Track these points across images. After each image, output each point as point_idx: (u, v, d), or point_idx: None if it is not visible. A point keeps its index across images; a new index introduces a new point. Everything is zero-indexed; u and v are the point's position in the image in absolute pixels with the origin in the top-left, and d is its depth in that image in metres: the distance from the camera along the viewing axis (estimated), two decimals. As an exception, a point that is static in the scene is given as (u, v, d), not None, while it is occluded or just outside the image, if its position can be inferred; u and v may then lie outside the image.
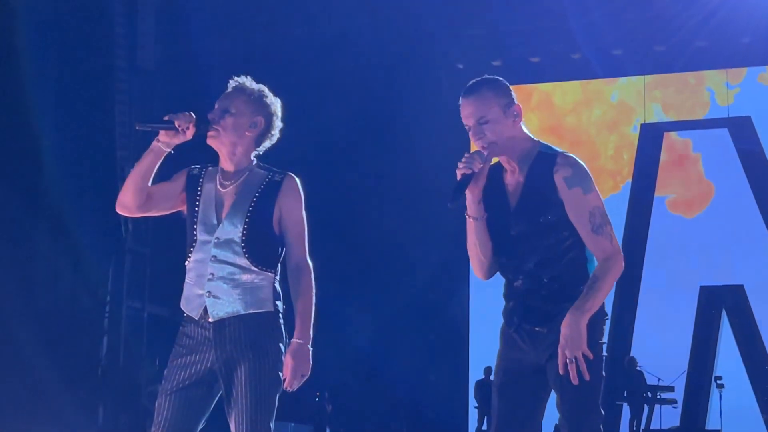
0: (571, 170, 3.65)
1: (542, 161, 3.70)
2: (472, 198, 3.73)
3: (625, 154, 12.50)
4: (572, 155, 3.73)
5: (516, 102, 3.77)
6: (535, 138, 3.80)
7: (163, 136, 3.82)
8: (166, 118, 3.82)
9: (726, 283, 12.45)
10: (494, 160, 3.79)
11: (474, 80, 3.79)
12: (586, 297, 3.55)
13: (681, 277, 12.46)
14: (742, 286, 12.43)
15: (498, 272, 3.87)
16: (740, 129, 12.45)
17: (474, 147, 3.74)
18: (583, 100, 12.32)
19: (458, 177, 3.67)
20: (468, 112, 3.70)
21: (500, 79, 3.81)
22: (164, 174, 3.99)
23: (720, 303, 12.51)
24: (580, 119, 12.41)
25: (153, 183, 3.93)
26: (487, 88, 3.72)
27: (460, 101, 3.74)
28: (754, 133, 12.38)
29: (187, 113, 3.83)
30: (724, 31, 11.27)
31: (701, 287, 12.52)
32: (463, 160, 3.66)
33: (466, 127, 3.73)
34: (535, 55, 10.86)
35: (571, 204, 3.63)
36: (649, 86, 12.09)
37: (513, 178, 3.75)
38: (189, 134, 3.82)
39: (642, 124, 12.37)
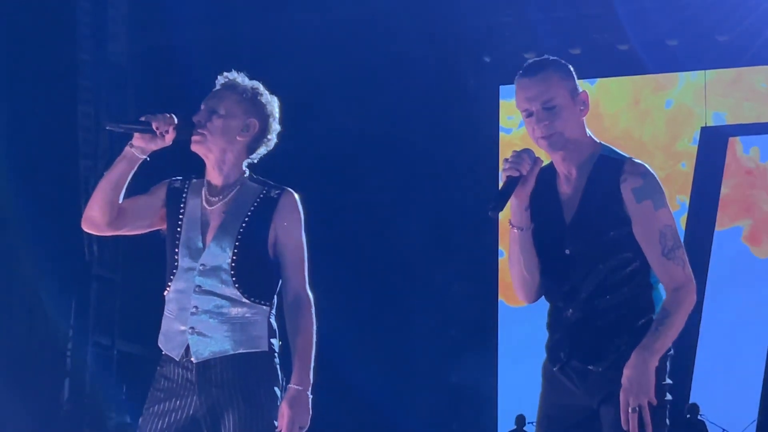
0: (641, 180, 3.59)
1: (606, 167, 3.65)
2: (518, 205, 3.66)
3: (681, 168, 12.54)
4: (643, 162, 3.68)
5: (582, 89, 3.73)
6: (597, 139, 3.75)
7: (138, 140, 3.81)
8: (142, 118, 3.82)
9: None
10: (544, 162, 3.75)
11: (534, 59, 3.77)
12: (656, 334, 3.50)
13: (750, 311, 12.44)
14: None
15: (543, 297, 3.83)
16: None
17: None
18: (631, 102, 12.36)
19: (503, 179, 3.64)
20: (531, 93, 3.63)
21: (564, 61, 3.77)
22: (139, 186, 4.00)
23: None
24: (630, 125, 12.45)
25: (126, 196, 3.92)
26: (554, 69, 3.68)
27: (519, 82, 3.68)
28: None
29: (167, 114, 3.83)
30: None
31: (774, 321, 12.52)
32: (510, 159, 3.61)
33: (524, 114, 3.66)
34: (574, 46, 10.89)
35: (640, 221, 3.58)
36: (710, 84, 12.12)
37: (569, 186, 3.71)
38: (168, 139, 3.81)
39: (702, 128, 12.37)
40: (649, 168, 3.67)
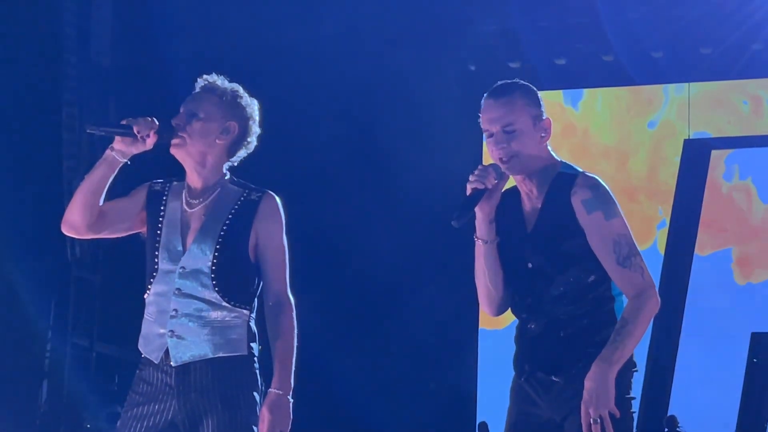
0: (590, 192, 3.66)
1: (561, 183, 3.73)
2: (482, 218, 3.76)
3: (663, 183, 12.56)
4: (594, 175, 3.75)
5: (546, 116, 3.80)
6: (558, 158, 3.83)
7: (118, 143, 3.79)
8: (123, 122, 3.79)
9: (783, 329, 12.48)
10: (509, 183, 3.82)
11: (503, 82, 3.82)
12: (614, 344, 3.54)
13: (728, 322, 12.48)
14: (802, 334, 12.45)
15: (510, 311, 3.88)
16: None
17: (488, 160, 3.77)
18: (615, 124, 12.40)
19: (468, 191, 3.71)
20: (494, 116, 3.72)
21: (532, 86, 3.84)
22: (119, 189, 3.98)
23: (775, 353, 12.52)
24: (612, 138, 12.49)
25: (107, 199, 3.90)
26: (520, 94, 3.76)
27: (485, 102, 3.76)
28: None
29: (149, 118, 3.81)
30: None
31: (753, 334, 12.54)
32: (476, 173, 3.70)
33: (486, 134, 3.75)
34: (560, 56, 10.92)
35: (592, 231, 3.64)
36: (694, 98, 12.15)
37: (530, 203, 3.78)
38: (149, 143, 3.79)
39: (685, 140, 12.40)
40: (600, 180, 3.74)
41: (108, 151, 3.83)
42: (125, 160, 3.83)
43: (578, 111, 12.27)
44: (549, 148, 3.81)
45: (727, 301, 12.45)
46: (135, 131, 3.77)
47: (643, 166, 12.45)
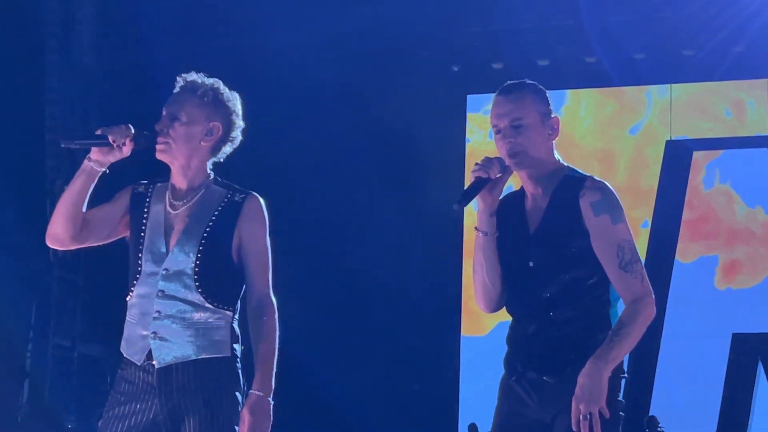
0: (599, 195, 3.71)
1: (568, 184, 3.77)
2: (484, 208, 3.79)
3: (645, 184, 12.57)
4: (603, 181, 3.80)
5: (555, 115, 3.87)
6: (564, 162, 3.88)
7: (95, 153, 3.79)
8: (98, 132, 3.78)
9: (763, 330, 12.50)
10: (515, 185, 3.85)
11: (513, 81, 3.90)
12: (611, 344, 3.57)
13: (710, 323, 12.51)
14: (782, 335, 12.49)
15: (505, 309, 3.90)
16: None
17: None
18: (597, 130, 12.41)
19: (472, 179, 3.75)
20: (503, 111, 3.79)
21: (540, 86, 3.92)
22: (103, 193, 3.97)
23: (755, 353, 12.55)
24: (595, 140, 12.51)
25: (90, 206, 3.90)
26: (528, 91, 3.84)
27: (494, 100, 3.83)
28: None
29: (123, 126, 3.80)
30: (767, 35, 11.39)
31: (734, 335, 12.57)
32: (480, 162, 3.75)
33: (494, 129, 3.80)
34: (542, 57, 10.93)
35: (597, 234, 3.68)
36: (676, 103, 12.18)
37: (535, 203, 3.82)
38: (126, 150, 3.79)
39: (667, 141, 12.42)
40: (608, 185, 3.78)
41: (86, 162, 3.83)
42: (104, 169, 3.83)
43: (562, 115, 12.29)
44: (556, 152, 3.86)
45: (708, 303, 12.49)
46: (111, 140, 3.76)
47: (625, 171, 12.48)
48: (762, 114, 12.34)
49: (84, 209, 3.87)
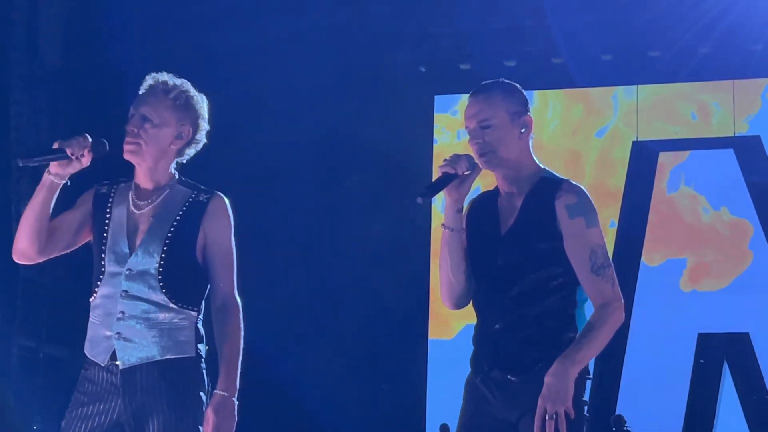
0: (575, 198, 3.71)
1: (544, 186, 3.77)
2: (451, 203, 3.76)
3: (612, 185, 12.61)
4: (579, 185, 3.80)
5: (529, 113, 3.85)
6: (541, 165, 3.88)
7: (54, 167, 3.75)
8: (55, 145, 3.74)
9: (728, 330, 12.59)
10: (491, 185, 3.84)
11: (486, 81, 3.89)
12: (579, 345, 3.58)
13: (676, 324, 12.58)
14: (747, 334, 12.57)
15: (472, 311, 3.89)
16: (748, 150, 12.61)
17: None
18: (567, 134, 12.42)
19: (439, 174, 3.73)
20: (471, 112, 3.78)
21: (517, 85, 3.90)
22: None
23: (721, 353, 12.64)
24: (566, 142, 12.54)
25: (54, 213, 3.86)
26: (498, 90, 3.82)
27: (467, 102, 3.81)
28: (764, 155, 12.55)
29: (80, 137, 3.76)
30: (733, 37, 11.45)
31: (699, 335, 12.66)
32: (448, 158, 3.74)
33: (467, 131, 3.79)
34: (510, 58, 10.96)
35: (571, 236, 3.68)
36: (643, 105, 12.21)
37: (509, 202, 3.81)
38: (86, 161, 3.76)
39: (634, 142, 12.47)
40: (584, 189, 3.79)
41: (46, 176, 3.79)
42: (64, 181, 3.80)
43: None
44: (533, 154, 3.85)
45: (674, 304, 12.57)
46: (69, 153, 3.73)
47: (592, 172, 12.53)
48: (726, 116, 12.43)
49: (48, 222, 3.84)
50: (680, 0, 10.94)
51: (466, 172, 3.72)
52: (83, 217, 3.92)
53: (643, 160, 12.47)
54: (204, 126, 3.98)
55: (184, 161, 3.99)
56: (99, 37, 11.02)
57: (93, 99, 10.35)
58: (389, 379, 11.11)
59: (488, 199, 3.88)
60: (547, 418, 3.48)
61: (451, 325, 11.16)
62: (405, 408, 11.25)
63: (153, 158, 3.87)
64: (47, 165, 3.78)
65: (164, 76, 3.95)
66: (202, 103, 3.97)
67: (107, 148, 3.81)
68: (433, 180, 3.77)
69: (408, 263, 10.18)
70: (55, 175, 3.77)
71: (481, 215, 3.85)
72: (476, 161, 3.76)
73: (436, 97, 11.37)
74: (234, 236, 3.92)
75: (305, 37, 10.26)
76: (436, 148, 11.40)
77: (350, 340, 10.85)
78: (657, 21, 11.17)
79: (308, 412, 10.57)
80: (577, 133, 12.32)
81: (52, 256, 3.95)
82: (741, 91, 12.35)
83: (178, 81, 3.96)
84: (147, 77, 3.96)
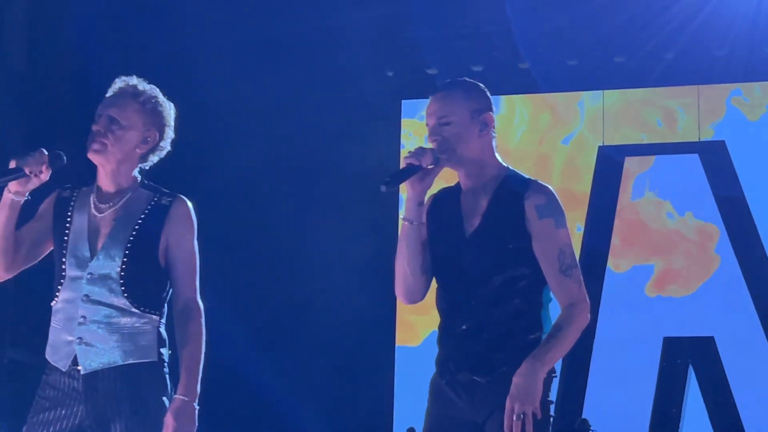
0: (544, 198, 3.72)
1: (511, 185, 3.77)
2: (413, 196, 3.76)
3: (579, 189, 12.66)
4: (548, 185, 3.80)
5: (490, 111, 3.85)
6: (505, 164, 3.87)
7: (14, 185, 3.74)
8: (12, 164, 3.72)
9: (694, 334, 12.63)
10: (452, 181, 3.83)
11: (449, 80, 3.91)
12: (547, 346, 3.58)
13: (642, 328, 12.63)
14: (712, 338, 12.61)
15: (427, 305, 3.91)
16: (714, 155, 12.68)
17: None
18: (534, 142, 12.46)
19: (404, 165, 3.73)
20: (431, 110, 3.80)
21: (480, 84, 3.90)
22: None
23: (686, 357, 12.68)
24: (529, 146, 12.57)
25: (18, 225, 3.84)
26: (459, 89, 3.83)
27: (429, 101, 3.84)
28: (728, 160, 12.62)
29: (37, 153, 3.73)
30: (698, 42, 11.52)
31: (665, 339, 12.68)
32: (413, 150, 3.73)
33: (427, 129, 3.82)
34: (477, 62, 10.99)
35: (540, 237, 3.68)
36: (609, 107, 12.27)
37: (473, 201, 3.80)
38: (44, 176, 3.74)
39: (600, 147, 12.53)
40: (553, 190, 3.81)
41: (6, 194, 3.78)
42: (26, 197, 3.78)
43: (495, 124, 12.31)
44: (497, 154, 3.85)
45: (639, 307, 12.62)
46: (27, 172, 3.71)
47: (559, 176, 12.57)
48: (691, 122, 12.51)
49: (13, 239, 3.83)
50: (645, 6, 10.99)
51: (430, 166, 3.71)
52: (47, 226, 3.90)
53: (609, 165, 12.50)
54: (169, 134, 3.97)
55: (147, 168, 3.98)
56: (65, 41, 10.96)
57: (57, 105, 10.29)
58: (357, 385, 11.09)
59: (450, 195, 3.86)
60: (514, 418, 3.48)
61: (417, 331, 11.17)
62: (373, 413, 11.23)
63: (117, 160, 3.86)
64: (6, 184, 3.75)
65: (134, 80, 3.96)
66: (169, 111, 3.97)
67: (65, 161, 3.78)
68: (398, 170, 3.77)
69: (375, 269, 10.16)
70: (15, 193, 3.75)
71: (444, 212, 3.83)
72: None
73: (403, 101, 11.36)
74: (200, 241, 3.91)
75: (271, 43, 10.24)
76: (404, 153, 11.40)
77: (317, 347, 10.82)
78: (622, 27, 11.21)
79: (273, 418, 10.54)
80: (543, 141, 12.35)
81: (20, 270, 3.95)
82: (706, 97, 12.40)
83: (148, 86, 3.96)
84: (116, 80, 3.96)
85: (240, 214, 10.28)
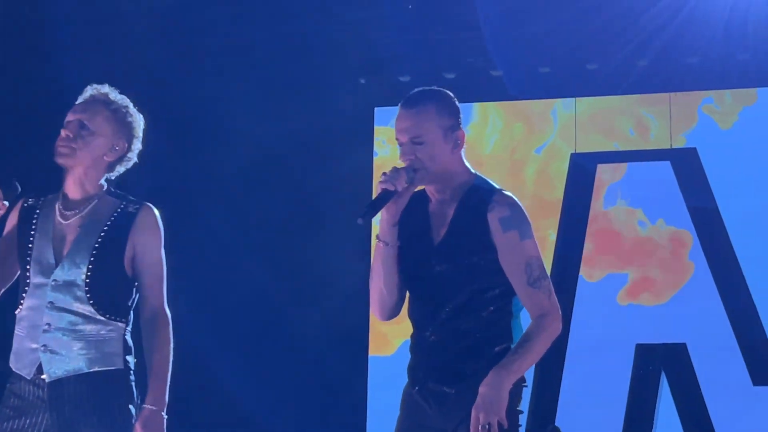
0: (508, 210, 3.67)
1: (475, 195, 3.73)
2: (387, 219, 3.72)
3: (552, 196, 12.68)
4: (511, 195, 3.76)
5: (461, 127, 3.80)
6: (473, 170, 3.83)
7: None
8: None
9: (666, 341, 12.65)
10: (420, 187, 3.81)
11: (419, 90, 3.82)
12: (515, 356, 3.56)
13: (614, 335, 12.64)
14: (684, 345, 12.64)
15: (400, 315, 3.88)
16: (685, 162, 12.72)
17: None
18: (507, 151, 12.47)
19: (379, 190, 3.68)
20: (403, 126, 3.72)
21: (450, 95, 3.84)
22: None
23: (659, 363, 12.70)
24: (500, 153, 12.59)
25: None
26: (432, 104, 3.74)
27: (398, 111, 3.75)
28: (700, 168, 12.67)
29: None
30: (671, 50, 11.56)
31: (637, 345, 12.70)
32: (387, 173, 3.67)
33: (397, 143, 3.75)
34: (449, 70, 10.99)
35: (505, 250, 3.65)
36: (581, 114, 12.30)
37: (440, 210, 3.77)
38: (1, 211, 3.72)
39: (572, 154, 12.56)
40: (517, 200, 3.75)
41: None
42: None
43: (468, 133, 12.31)
44: (464, 159, 3.81)
45: (612, 316, 12.64)
46: None
47: (532, 183, 12.58)
48: (663, 130, 12.55)
49: None
50: (618, 13, 11.02)
51: (405, 186, 3.67)
52: (12, 242, 3.88)
53: (581, 172, 12.53)
54: (137, 145, 3.97)
55: (113, 177, 3.96)
56: (34, 47, 10.89)
57: (28, 112, 10.22)
58: (329, 395, 11.07)
59: (418, 202, 3.82)
60: (479, 428, 3.46)
61: (390, 341, 11.17)
62: (346, 423, 11.21)
63: (84, 166, 3.84)
64: None
65: (106, 89, 3.96)
66: (139, 122, 3.97)
67: (19, 190, 3.77)
68: (373, 198, 3.71)
69: (348, 278, 10.14)
70: None
71: (412, 221, 3.79)
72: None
73: (376, 109, 11.35)
74: (170, 249, 3.89)
75: (242, 50, 10.21)
76: (377, 161, 11.35)
77: (289, 356, 10.79)
78: (595, 34, 11.24)
79: (244, 428, 10.50)
80: (516, 151, 12.37)
81: (3, 290, 3.92)
82: (678, 105, 12.45)
83: (119, 96, 3.96)
84: (88, 87, 3.96)
85: (210, 222, 10.24)
